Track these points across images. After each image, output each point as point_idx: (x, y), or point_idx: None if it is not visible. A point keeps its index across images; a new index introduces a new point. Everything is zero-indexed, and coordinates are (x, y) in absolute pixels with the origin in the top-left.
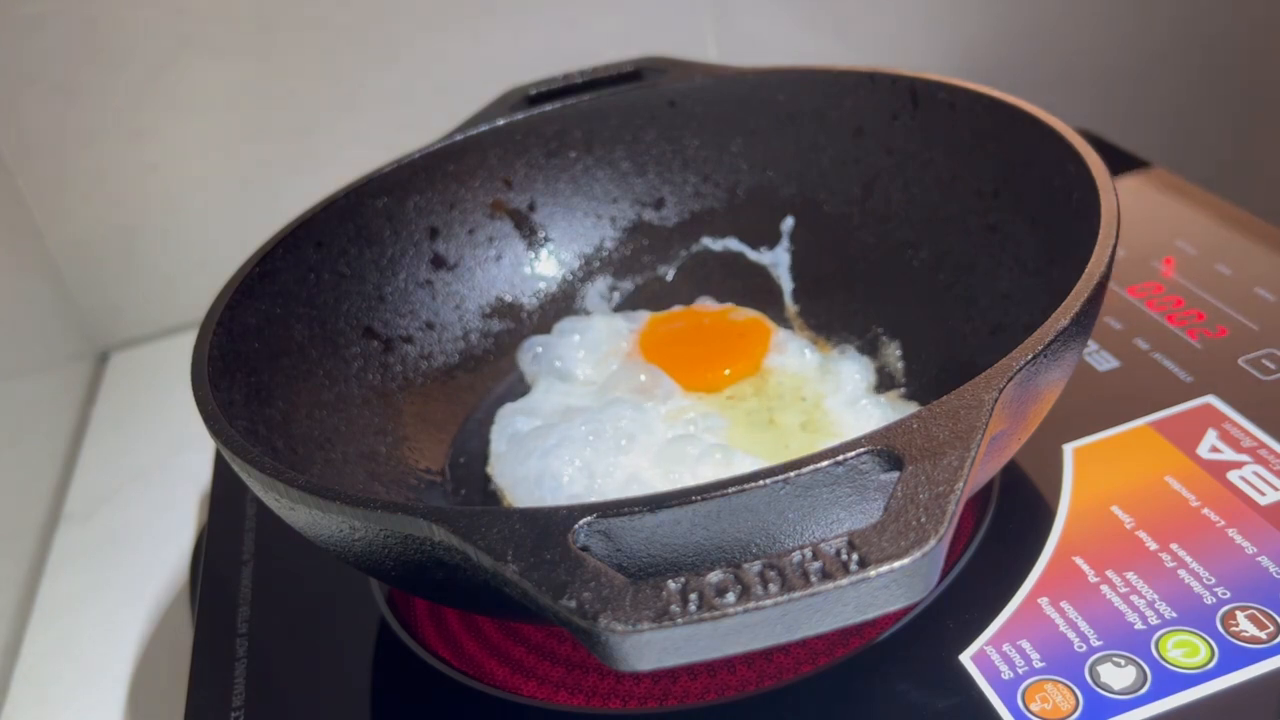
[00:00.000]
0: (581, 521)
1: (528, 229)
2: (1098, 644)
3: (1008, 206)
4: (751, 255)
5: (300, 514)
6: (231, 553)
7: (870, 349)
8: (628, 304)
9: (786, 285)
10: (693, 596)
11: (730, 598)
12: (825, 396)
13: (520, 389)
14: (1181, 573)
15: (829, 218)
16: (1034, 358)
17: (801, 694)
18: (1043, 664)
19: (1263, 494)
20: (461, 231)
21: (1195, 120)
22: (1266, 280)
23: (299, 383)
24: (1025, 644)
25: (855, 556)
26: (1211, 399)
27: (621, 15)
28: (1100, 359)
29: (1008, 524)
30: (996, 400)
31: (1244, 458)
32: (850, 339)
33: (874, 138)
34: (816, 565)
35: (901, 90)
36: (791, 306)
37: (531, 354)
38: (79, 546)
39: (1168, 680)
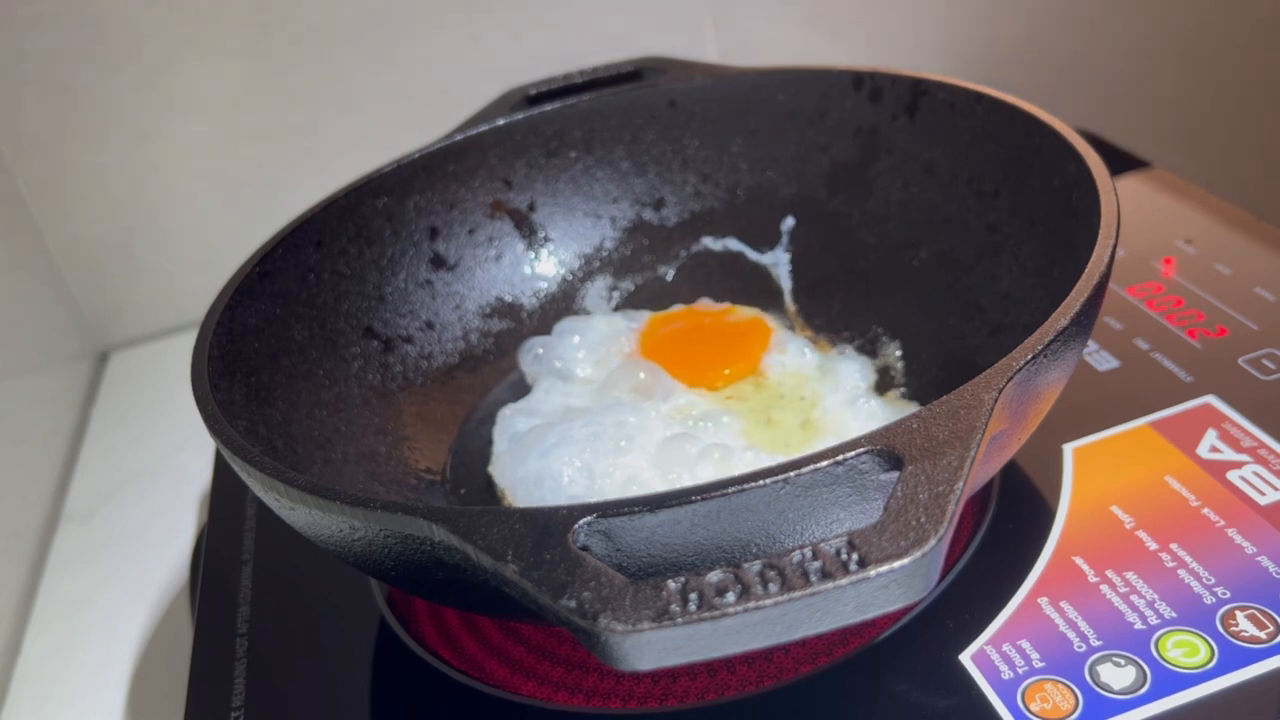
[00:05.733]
0: (581, 521)
1: (528, 229)
2: (1097, 644)
3: (1008, 206)
4: (751, 255)
5: (300, 514)
6: (231, 553)
7: (870, 349)
8: (628, 304)
9: (786, 285)
10: (693, 596)
11: (730, 597)
12: (825, 396)
13: (520, 389)
14: (1181, 573)
15: (829, 218)
16: (1034, 358)
17: (801, 694)
18: (1043, 664)
19: (1263, 494)
20: (461, 231)
21: (1195, 120)
22: (1266, 280)
23: (299, 383)
24: (1025, 644)
25: (855, 556)
26: (1211, 399)
27: (621, 15)
28: (1100, 359)
29: (1008, 524)
30: (996, 400)
31: (1244, 458)
32: (850, 339)
33: (874, 137)
34: (816, 565)
35: (901, 90)
36: (791, 306)
37: (532, 354)
38: (79, 546)
39: (1168, 680)
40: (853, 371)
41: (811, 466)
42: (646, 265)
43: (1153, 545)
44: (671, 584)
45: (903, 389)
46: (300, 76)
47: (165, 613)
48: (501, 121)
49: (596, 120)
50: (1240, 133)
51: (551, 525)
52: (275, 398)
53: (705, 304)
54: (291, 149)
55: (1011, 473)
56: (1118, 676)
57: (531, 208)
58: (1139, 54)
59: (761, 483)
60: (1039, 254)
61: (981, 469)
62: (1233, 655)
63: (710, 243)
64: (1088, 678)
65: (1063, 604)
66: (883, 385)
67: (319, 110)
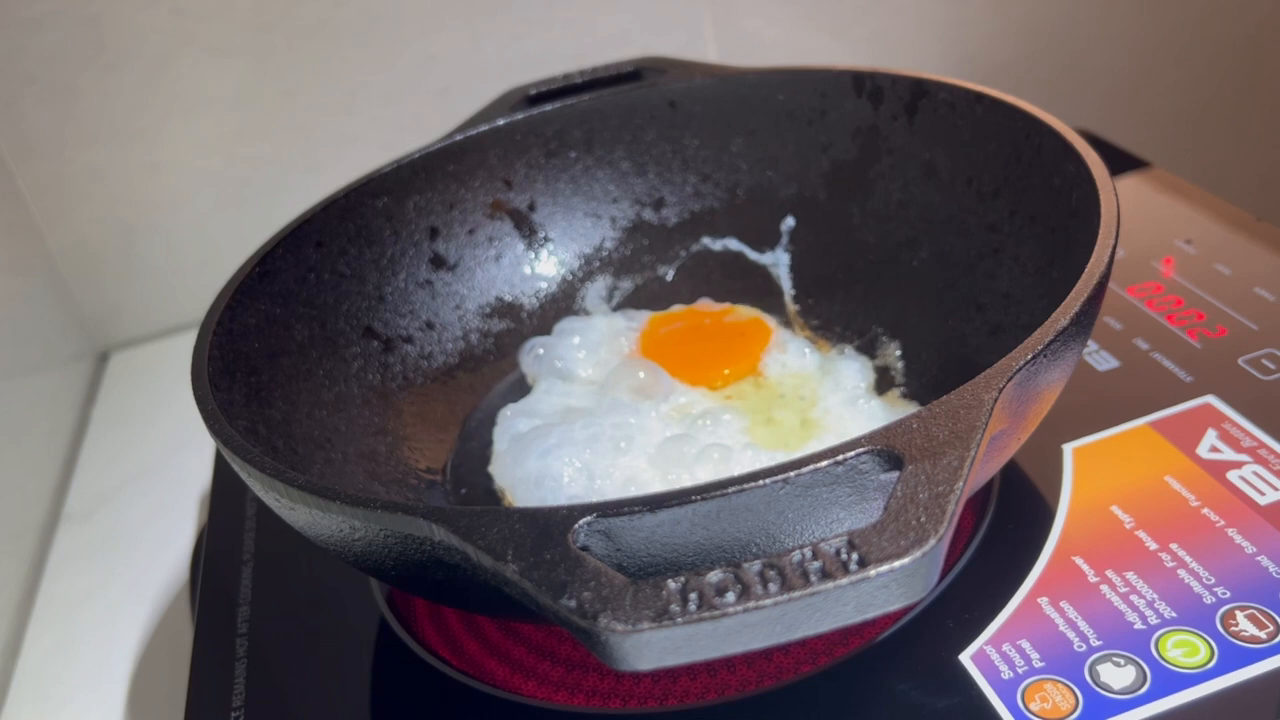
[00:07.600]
0: (581, 521)
1: (528, 229)
2: (1097, 644)
3: (1008, 206)
4: (751, 255)
5: (300, 514)
6: (231, 553)
7: (870, 349)
8: (628, 304)
9: (786, 285)
10: (693, 596)
11: (730, 597)
12: (825, 396)
13: (520, 389)
14: (1181, 572)
15: (829, 218)
16: (1034, 357)
17: (801, 694)
18: (1042, 664)
19: (1262, 494)
20: (461, 231)
21: (1195, 120)
22: (1266, 280)
23: (299, 383)
24: (1025, 644)
25: (855, 556)
26: (1211, 399)
27: (621, 15)
28: (1100, 359)
29: (1008, 524)
30: (996, 400)
31: (1244, 458)
32: (850, 339)
33: (874, 137)
34: (816, 565)
35: (902, 90)
36: (791, 306)
37: (532, 354)
38: (79, 546)
39: (1167, 680)
40: (853, 371)
41: (811, 466)
42: (646, 265)
43: (1153, 545)
44: (671, 584)
45: (903, 389)
46: (300, 77)
47: (165, 613)
48: (501, 121)
49: (596, 120)
50: (1240, 133)
51: (551, 525)
52: (275, 398)
53: (705, 304)
54: (291, 149)
55: (1011, 473)
56: (1118, 676)
57: (531, 208)
58: (1139, 54)
59: (761, 483)
60: (1039, 254)
61: (981, 469)
62: (1233, 655)
63: (710, 243)
64: (1088, 677)
65: (1063, 604)
66: (883, 385)
67: (319, 110)
